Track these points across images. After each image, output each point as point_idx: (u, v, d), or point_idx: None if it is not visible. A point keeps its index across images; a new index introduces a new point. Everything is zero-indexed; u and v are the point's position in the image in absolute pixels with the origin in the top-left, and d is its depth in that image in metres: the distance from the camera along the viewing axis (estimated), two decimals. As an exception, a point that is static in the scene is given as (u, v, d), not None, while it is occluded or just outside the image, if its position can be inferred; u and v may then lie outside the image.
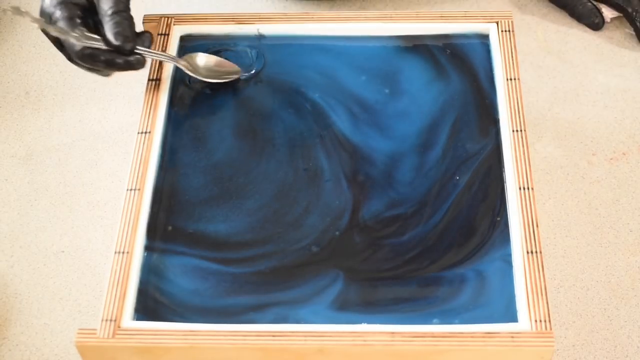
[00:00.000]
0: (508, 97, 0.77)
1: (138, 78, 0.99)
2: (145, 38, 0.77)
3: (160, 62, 0.80)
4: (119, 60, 0.75)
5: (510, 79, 0.78)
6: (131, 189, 0.72)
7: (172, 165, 0.75)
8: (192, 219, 0.72)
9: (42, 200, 0.89)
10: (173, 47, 0.82)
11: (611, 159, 0.90)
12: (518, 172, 0.72)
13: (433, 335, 0.64)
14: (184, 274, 0.69)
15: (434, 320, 0.66)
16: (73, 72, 1.01)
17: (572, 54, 0.99)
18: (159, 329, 0.66)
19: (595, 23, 1.00)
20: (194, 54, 0.80)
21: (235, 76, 0.80)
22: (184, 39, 0.83)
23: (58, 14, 0.75)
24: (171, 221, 0.72)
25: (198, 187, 0.74)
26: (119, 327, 0.66)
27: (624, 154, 0.90)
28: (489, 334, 0.64)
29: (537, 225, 0.69)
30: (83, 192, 0.90)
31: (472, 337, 0.64)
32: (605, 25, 1.01)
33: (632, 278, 0.82)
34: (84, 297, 0.83)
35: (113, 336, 0.65)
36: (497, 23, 0.82)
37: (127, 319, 0.66)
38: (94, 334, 0.65)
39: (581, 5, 1.00)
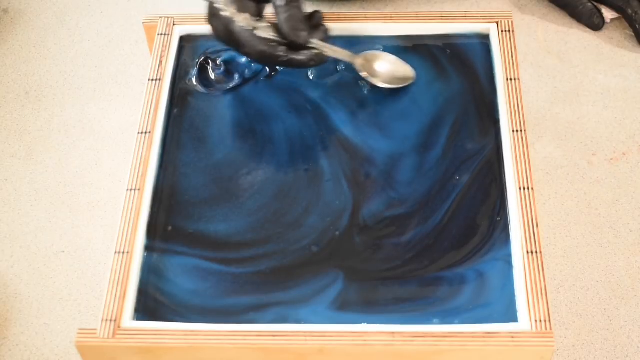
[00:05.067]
0: (508, 97, 0.77)
1: (138, 78, 0.99)
2: (321, 31, 0.76)
3: (161, 62, 0.80)
4: (300, 58, 0.74)
5: (510, 79, 0.78)
6: (131, 189, 0.72)
7: (172, 165, 0.75)
8: (192, 219, 0.72)
9: (42, 200, 0.89)
10: (173, 47, 0.82)
11: (611, 159, 0.90)
12: (518, 172, 0.72)
13: (433, 335, 0.64)
14: (184, 274, 0.69)
15: (434, 320, 0.66)
16: (73, 72, 1.01)
17: (572, 54, 0.99)
18: (159, 329, 0.66)
19: (595, 23, 1.00)
20: (370, 53, 0.79)
21: (410, 82, 0.78)
22: (184, 39, 0.83)
23: (234, 9, 0.74)
24: (171, 221, 0.72)
25: (198, 187, 0.74)
26: (119, 327, 0.66)
27: (624, 154, 0.90)
28: (489, 334, 0.64)
29: (537, 225, 0.69)
30: (83, 192, 0.90)
31: (472, 337, 0.64)
32: (605, 25, 1.01)
33: (632, 278, 0.82)
34: (84, 297, 0.83)
35: (113, 336, 0.65)
36: (497, 23, 0.82)
37: (127, 319, 0.66)
38: (94, 334, 0.65)
39: (581, 5, 1.00)
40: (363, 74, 0.78)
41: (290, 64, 0.75)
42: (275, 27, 0.75)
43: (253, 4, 0.75)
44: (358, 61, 0.78)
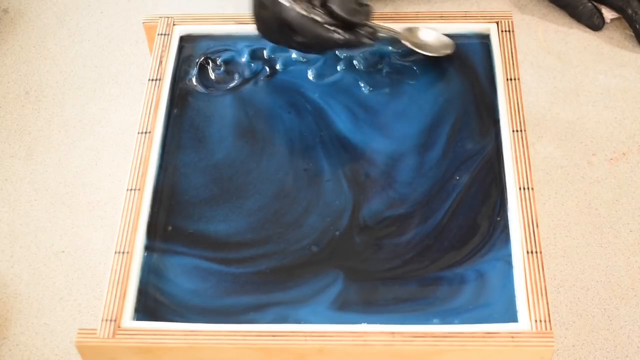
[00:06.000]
0: (508, 97, 0.77)
1: (138, 78, 0.99)
2: (365, 12, 0.76)
3: (161, 62, 0.80)
4: (357, 38, 0.74)
5: (510, 79, 0.78)
6: (131, 189, 0.72)
7: (172, 165, 0.75)
8: (192, 219, 0.72)
9: (42, 200, 0.89)
10: (173, 47, 0.82)
11: (611, 159, 0.90)
12: (518, 172, 0.72)
13: (433, 335, 0.64)
14: (184, 274, 0.69)
15: (434, 320, 0.66)
16: (73, 72, 1.01)
17: (572, 54, 0.99)
18: (159, 329, 0.65)
19: (595, 24, 1.00)
20: (412, 27, 0.81)
21: (452, 50, 0.80)
22: (184, 39, 0.83)
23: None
24: (171, 221, 0.72)
25: (198, 187, 0.74)
26: (119, 327, 0.66)
27: (624, 154, 0.90)
28: (489, 334, 0.64)
29: (537, 225, 0.69)
30: (83, 192, 0.90)
31: (472, 337, 0.64)
32: (605, 25, 1.01)
33: (632, 278, 0.82)
34: (84, 297, 0.83)
35: (113, 336, 0.65)
36: (497, 23, 0.82)
37: (127, 319, 0.66)
38: (94, 334, 0.65)
39: (581, 5, 1.00)
40: (409, 45, 0.80)
41: (348, 45, 0.75)
42: (328, 11, 0.74)
43: None
44: (403, 34, 0.80)
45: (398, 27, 0.82)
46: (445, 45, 0.80)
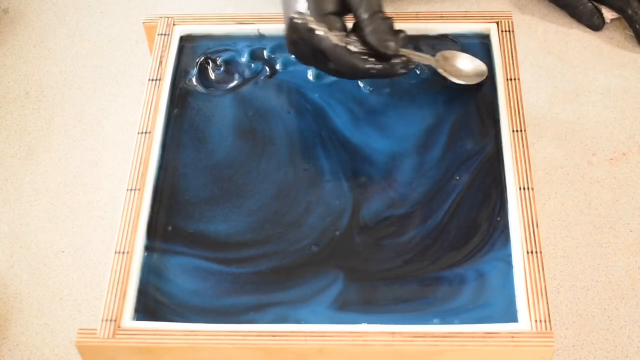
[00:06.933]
0: (508, 97, 0.77)
1: (138, 78, 0.99)
2: (403, 38, 0.74)
3: (161, 62, 0.80)
4: (391, 68, 0.73)
5: (510, 79, 0.78)
6: (131, 189, 0.72)
7: (172, 165, 0.75)
8: (192, 219, 0.72)
9: (42, 200, 0.89)
10: (173, 47, 0.82)
11: (611, 159, 0.90)
12: (518, 172, 0.72)
13: (433, 335, 0.64)
14: (184, 274, 0.69)
15: (434, 320, 0.66)
16: (73, 72, 1.01)
17: (572, 54, 0.99)
18: (159, 329, 0.65)
19: (595, 24, 1.00)
20: (447, 52, 0.79)
21: (484, 78, 0.79)
22: (184, 39, 0.83)
23: (325, 27, 0.73)
24: (171, 221, 0.72)
25: (198, 187, 0.74)
26: (119, 327, 0.66)
27: (624, 154, 0.90)
28: (489, 334, 0.64)
29: (537, 225, 0.69)
30: (83, 192, 0.90)
31: (472, 337, 0.64)
32: (605, 25, 1.01)
33: (632, 278, 0.82)
34: (84, 297, 0.83)
35: (113, 336, 0.65)
36: (497, 23, 0.82)
37: (127, 319, 0.66)
38: (94, 334, 0.65)
39: (581, 5, 1.00)
40: (443, 73, 0.78)
41: (382, 75, 0.74)
42: (362, 40, 0.73)
43: (338, 19, 0.74)
44: (438, 61, 0.78)
45: (399, 27, 0.82)
46: (479, 73, 0.79)
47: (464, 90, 0.79)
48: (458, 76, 0.79)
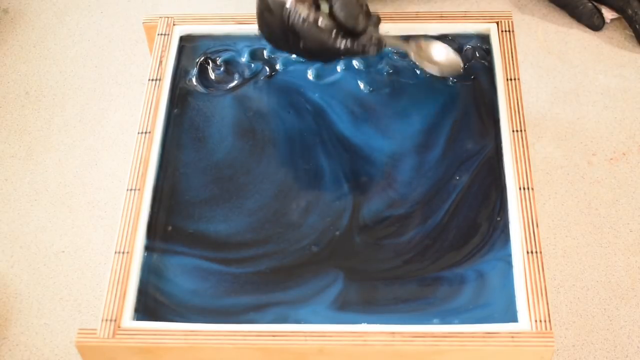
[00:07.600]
0: (508, 97, 0.77)
1: (138, 78, 0.99)
2: (374, 18, 0.74)
3: (161, 62, 0.80)
4: (361, 46, 0.72)
5: (510, 79, 0.78)
6: (131, 189, 0.72)
7: (172, 165, 0.75)
8: (192, 219, 0.72)
9: (42, 200, 0.89)
10: (173, 47, 0.82)
11: (611, 159, 0.90)
12: (518, 172, 0.72)
13: (433, 335, 0.64)
14: (184, 274, 0.69)
15: (434, 320, 0.66)
16: (73, 72, 1.01)
17: (572, 54, 0.99)
18: (159, 329, 0.65)
19: (595, 24, 1.00)
20: (426, 42, 0.77)
21: (459, 73, 0.77)
22: (184, 39, 0.83)
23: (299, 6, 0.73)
24: (171, 221, 0.72)
25: (198, 187, 0.74)
26: (119, 327, 0.66)
27: (624, 154, 0.90)
28: (489, 334, 0.64)
29: (537, 225, 0.69)
30: (83, 192, 0.90)
31: (472, 337, 0.64)
32: (605, 25, 1.01)
33: (632, 278, 0.82)
34: (84, 297, 0.83)
35: (113, 336, 0.65)
36: (497, 23, 0.82)
37: (127, 319, 0.66)
38: (94, 334, 0.65)
39: (581, 5, 1.00)
40: (416, 61, 0.77)
41: (351, 53, 0.73)
42: (332, 16, 0.72)
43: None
44: (412, 48, 0.77)
45: (399, 27, 0.82)
46: (453, 66, 0.77)
47: (464, 90, 0.79)
48: (429, 65, 0.77)
